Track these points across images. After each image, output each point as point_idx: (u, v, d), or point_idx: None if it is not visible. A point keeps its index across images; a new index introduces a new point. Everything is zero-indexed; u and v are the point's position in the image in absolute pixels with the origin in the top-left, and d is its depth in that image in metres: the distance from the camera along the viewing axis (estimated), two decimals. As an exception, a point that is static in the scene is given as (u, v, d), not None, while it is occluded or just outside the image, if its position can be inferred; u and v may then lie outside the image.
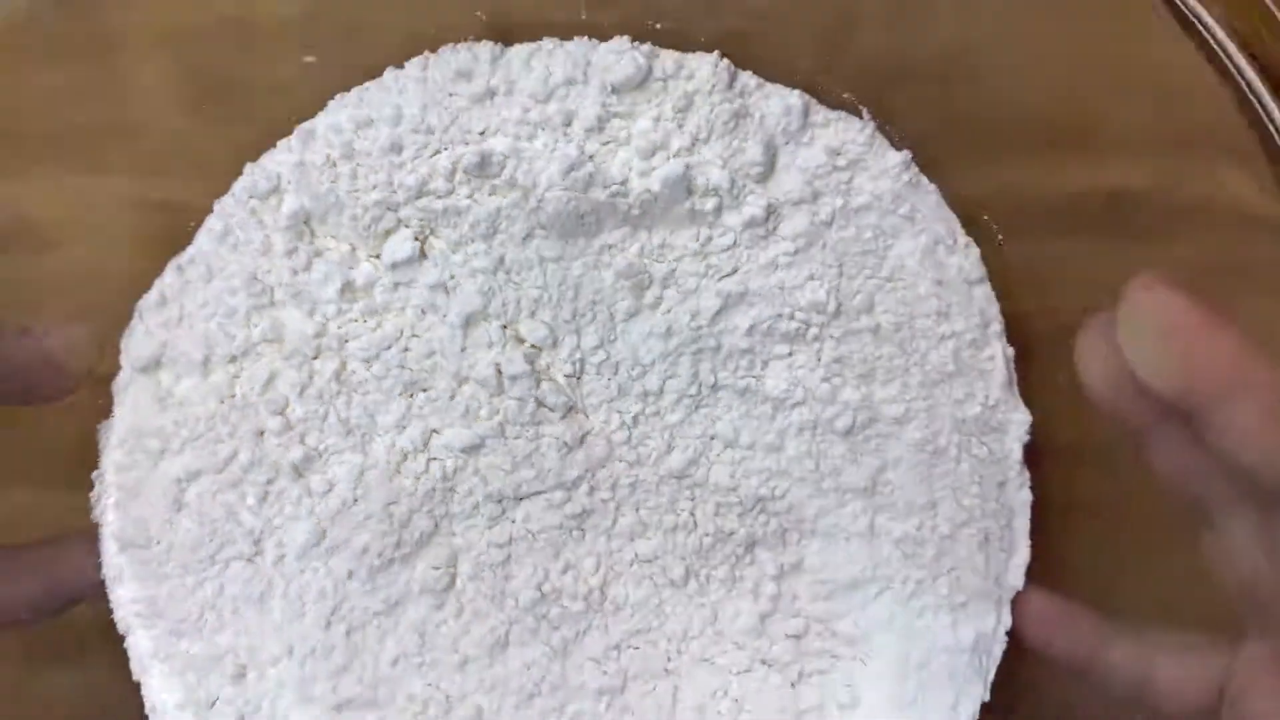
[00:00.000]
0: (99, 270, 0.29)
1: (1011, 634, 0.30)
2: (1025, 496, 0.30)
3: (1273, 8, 0.26)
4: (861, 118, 0.30)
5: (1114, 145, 0.28)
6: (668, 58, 0.29)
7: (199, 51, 0.30)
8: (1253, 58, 0.26)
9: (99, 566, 0.30)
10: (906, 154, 0.29)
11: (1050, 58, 0.28)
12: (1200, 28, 0.26)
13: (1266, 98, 0.26)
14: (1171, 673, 0.27)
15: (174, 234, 0.29)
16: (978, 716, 0.30)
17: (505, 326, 0.29)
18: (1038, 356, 0.30)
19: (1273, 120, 0.26)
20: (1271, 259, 0.27)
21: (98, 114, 0.29)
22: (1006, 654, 0.30)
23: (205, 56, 0.30)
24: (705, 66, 0.29)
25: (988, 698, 0.30)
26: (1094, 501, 0.30)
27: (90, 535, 0.30)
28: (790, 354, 0.29)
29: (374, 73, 0.29)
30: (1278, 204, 0.26)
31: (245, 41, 0.29)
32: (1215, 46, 0.26)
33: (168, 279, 0.29)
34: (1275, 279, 0.27)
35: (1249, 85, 0.26)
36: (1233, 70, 0.26)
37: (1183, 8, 0.26)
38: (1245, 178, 0.26)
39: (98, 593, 0.30)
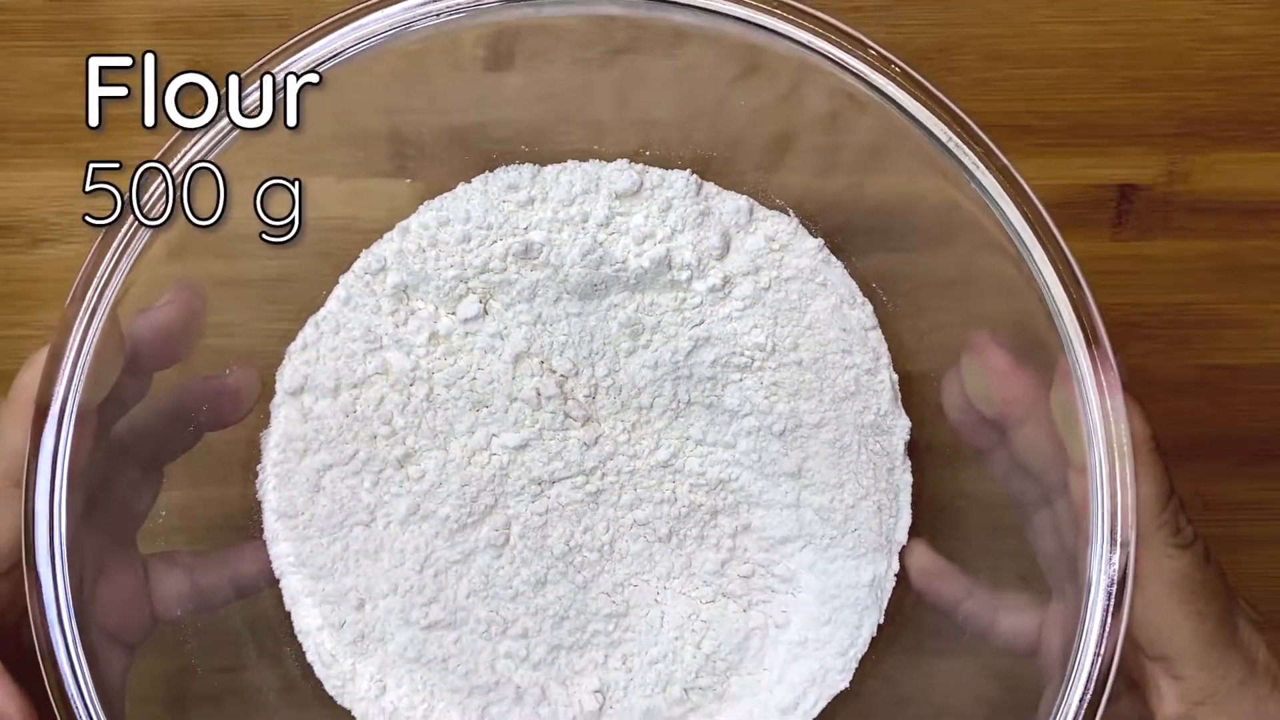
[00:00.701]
0: (260, 328, 0.33)
1: (900, 577, 0.33)
2: (907, 479, 0.33)
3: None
4: (789, 215, 0.33)
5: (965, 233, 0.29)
6: (654, 173, 0.32)
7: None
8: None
9: (269, 563, 0.32)
10: (820, 241, 0.32)
11: (910, 189, 0.30)
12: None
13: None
14: (1008, 622, 0.31)
15: (311, 299, 0.32)
16: (874, 633, 0.33)
17: (542, 362, 0.32)
18: (915, 380, 0.33)
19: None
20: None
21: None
22: (895, 590, 0.33)
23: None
24: (680, 180, 0.32)
25: (882, 621, 0.33)
26: (958, 487, 0.33)
27: (259, 541, 0.32)
28: (741, 379, 0.32)
29: (450, 186, 0.32)
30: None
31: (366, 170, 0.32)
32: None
33: (307, 331, 0.32)
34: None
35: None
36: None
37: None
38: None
39: (269, 583, 0.32)
